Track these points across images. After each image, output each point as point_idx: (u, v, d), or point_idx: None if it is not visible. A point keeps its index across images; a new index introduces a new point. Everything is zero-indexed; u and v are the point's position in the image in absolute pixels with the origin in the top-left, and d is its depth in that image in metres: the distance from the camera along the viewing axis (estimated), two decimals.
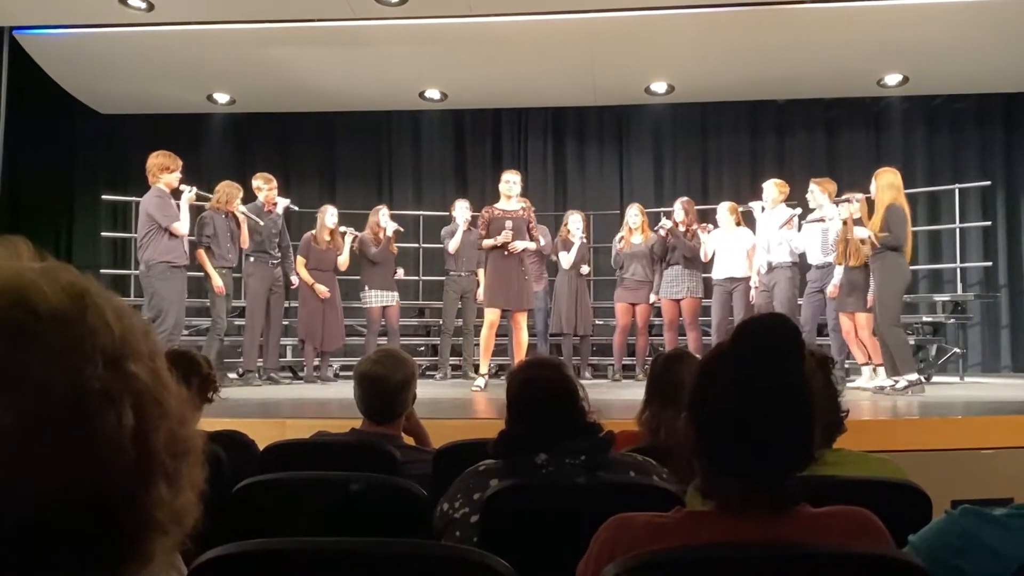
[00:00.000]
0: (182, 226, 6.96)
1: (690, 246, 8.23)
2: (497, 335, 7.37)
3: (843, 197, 7.13)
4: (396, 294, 8.63)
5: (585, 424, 2.20)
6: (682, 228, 8.34)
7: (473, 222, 8.24)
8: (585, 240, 8.76)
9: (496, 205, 7.18)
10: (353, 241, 8.48)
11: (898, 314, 6.54)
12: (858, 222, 6.82)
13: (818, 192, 7.50)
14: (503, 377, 7.30)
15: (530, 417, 2.18)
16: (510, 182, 7.18)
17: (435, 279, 9.98)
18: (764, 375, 1.32)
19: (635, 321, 8.64)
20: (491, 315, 7.10)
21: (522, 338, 7.16)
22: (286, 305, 8.42)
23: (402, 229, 8.77)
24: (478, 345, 7.74)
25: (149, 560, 0.67)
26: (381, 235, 8.48)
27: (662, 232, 8.33)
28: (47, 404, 0.60)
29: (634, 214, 8.71)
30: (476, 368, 7.69)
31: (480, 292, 7.90)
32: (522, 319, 7.16)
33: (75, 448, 0.60)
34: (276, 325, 8.14)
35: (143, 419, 0.64)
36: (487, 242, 7.04)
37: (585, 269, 8.82)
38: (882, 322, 6.39)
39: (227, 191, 7.74)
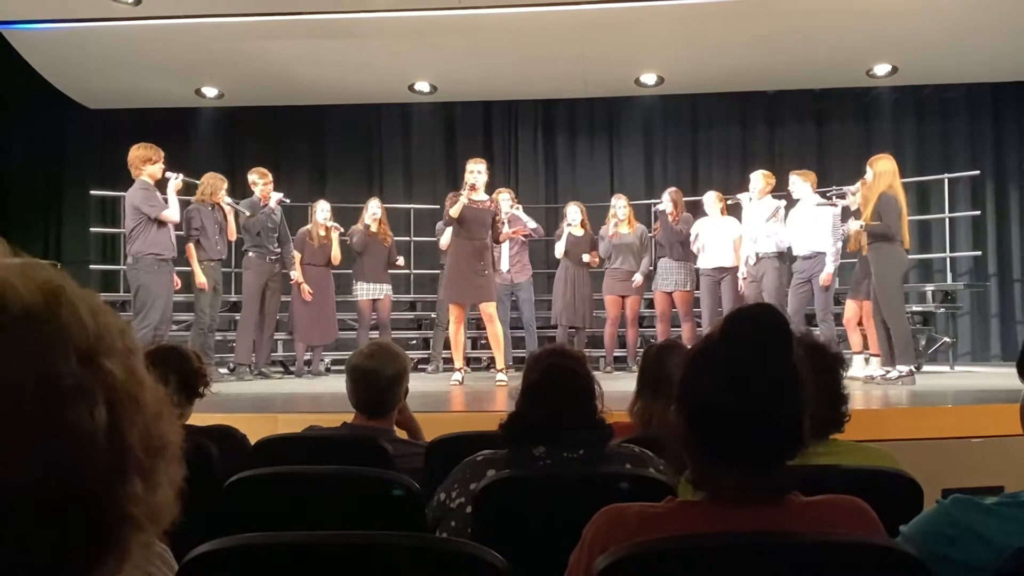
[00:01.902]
0: (171, 213, 6.81)
1: (676, 230, 8.22)
2: (479, 327, 7.27)
3: (851, 187, 7.13)
4: (386, 286, 8.55)
5: (592, 421, 2.21)
6: (669, 218, 8.32)
7: None
8: (576, 232, 8.66)
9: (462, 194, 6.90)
10: (342, 235, 8.45)
11: (902, 303, 6.57)
12: (856, 213, 6.86)
13: (800, 182, 7.52)
14: (491, 370, 7.29)
15: (545, 403, 2.18)
16: (474, 172, 6.90)
17: (427, 272, 9.97)
18: (753, 364, 1.32)
19: (626, 313, 8.62)
20: (453, 311, 6.93)
21: (496, 330, 7.00)
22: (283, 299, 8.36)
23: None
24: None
25: (125, 556, 0.67)
26: (362, 226, 8.45)
27: (667, 215, 8.28)
28: (17, 399, 0.60)
29: (621, 205, 8.62)
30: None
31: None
32: (491, 310, 6.93)
33: (46, 442, 0.61)
34: (271, 320, 8.10)
35: (117, 415, 0.65)
36: (453, 211, 6.72)
37: (585, 258, 8.61)
38: (886, 311, 6.39)
39: (211, 182, 7.67)
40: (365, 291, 8.42)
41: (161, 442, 0.69)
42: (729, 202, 8.29)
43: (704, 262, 8.21)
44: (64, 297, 0.65)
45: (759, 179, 7.85)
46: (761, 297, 7.45)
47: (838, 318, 7.68)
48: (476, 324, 8.67)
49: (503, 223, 7.25)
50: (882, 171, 6.46)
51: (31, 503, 0.61)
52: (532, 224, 8.49)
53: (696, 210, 8.61)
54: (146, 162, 6.82)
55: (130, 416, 0.66)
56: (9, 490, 0.60)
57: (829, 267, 7.29)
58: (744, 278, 7.85)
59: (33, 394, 0.61)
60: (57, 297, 0.65)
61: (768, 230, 7.60)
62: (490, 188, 7.39)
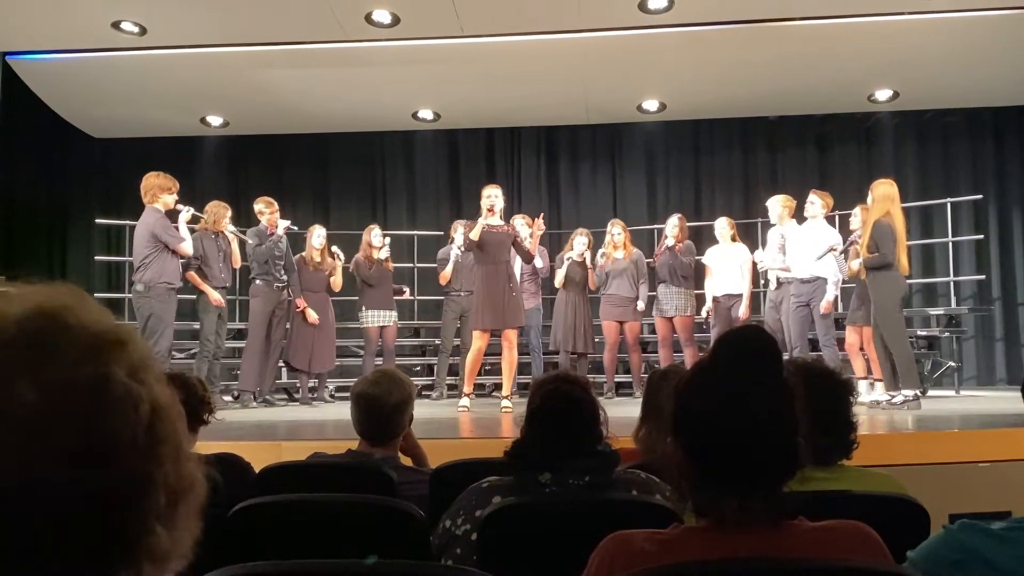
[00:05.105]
0: (188, 246, 6.95)
1: (685, 263, 8.23)
2: (486, 354, 7.27)
3: (856, 234, 7.13)
4: (394, 314, 8.61)
5: (597, 447, 2.20)
6: (672, 241, 8.31)
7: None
8: (577, 258, 8.68)
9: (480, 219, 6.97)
10: (348, 264, 8.48)
11: (902, 327, 6.55)
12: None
13: (819, 203, 7.49)
14: (494, 395, 7.28)
15: (548, 428, 2.17)
16: (491, 196, 6.96)
17: (430, 299, 9.98)
18: (742, 386, 1.32)
19: (626, 338, 8.60)
20: (479, 340, 6.90)
21: (514, 357, 7.00)
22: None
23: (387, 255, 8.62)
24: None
25: (139, 571, 0.68)
26: (372, 255, 8.48)
27: (674, 250, 8.27)
28: (71, 387, 0.65)
29: (617, 232, 8.64)
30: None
31: None
32: (513, 336, 6.96)
33: (90, 433, 0.65)
34: (276, 348, 8.09)
35: (156, 422, 0.69)
36: (473, 234, 6.79)
37: (559, 278, 8.66)
38: (888, 336, 6.37)
39: (215, 211, 7.71)
40: (372, 318, 8.44)
41: (189, 481, 0.73)
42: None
43: (714, 288, 8.22)
44: (123, 326, 0.72)
45: (776, 205, 7.81)
46: (780, 322, 7.46)
47: (840, 343, 7.65)
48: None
49: (525, 240, 7.25)
50: (880, 196, 6.46)
51: (65, 494, 0.63)
52: (540, 263, 8.46)
53: (701, 235, 8.60)
54: (164, 191, 6.91)
55: (167, 432, 0.70)
56: (48, 476, 0.62)
57: (830, 294, 7.26)
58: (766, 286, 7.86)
59: (85, 384, 0.65)
60: (121, 327, 0.72)
61: (778, 260, 7.60)
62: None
